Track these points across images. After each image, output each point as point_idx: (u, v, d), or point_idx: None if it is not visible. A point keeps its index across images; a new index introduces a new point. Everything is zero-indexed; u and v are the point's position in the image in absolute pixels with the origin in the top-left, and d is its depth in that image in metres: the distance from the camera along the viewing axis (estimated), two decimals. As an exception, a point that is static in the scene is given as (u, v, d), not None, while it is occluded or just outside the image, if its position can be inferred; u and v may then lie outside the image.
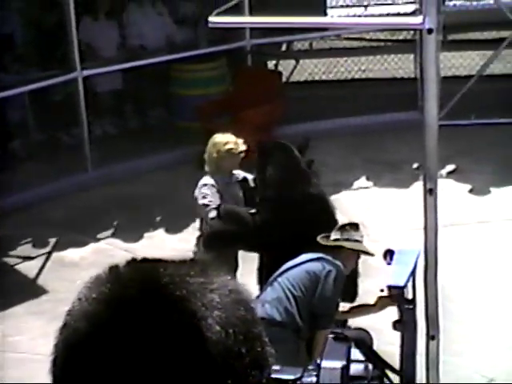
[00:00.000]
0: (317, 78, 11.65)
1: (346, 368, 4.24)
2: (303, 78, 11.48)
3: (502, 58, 10.88)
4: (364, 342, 5.18)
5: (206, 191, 6.12)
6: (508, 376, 6.17)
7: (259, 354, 1.19)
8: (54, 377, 1.20)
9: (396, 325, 5.54)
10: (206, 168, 6.30)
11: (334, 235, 5.59)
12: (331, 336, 4.47)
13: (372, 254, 5.78)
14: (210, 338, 1.14)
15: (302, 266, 5.44)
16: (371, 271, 6.31)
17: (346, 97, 10.81)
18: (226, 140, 6.23)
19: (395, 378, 5.44)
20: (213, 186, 6.16)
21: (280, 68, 10.71)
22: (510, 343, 6.51)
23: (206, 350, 1.14)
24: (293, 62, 10.43)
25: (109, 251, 8.14)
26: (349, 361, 4.29)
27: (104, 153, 9.70)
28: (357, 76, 11.67)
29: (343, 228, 5.66)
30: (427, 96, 4.95)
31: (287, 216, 6.00)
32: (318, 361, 4.24)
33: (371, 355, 5.15)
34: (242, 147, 6.22)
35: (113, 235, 8.51)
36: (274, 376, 1.24)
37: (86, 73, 9.61)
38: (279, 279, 5.42)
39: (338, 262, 5.44)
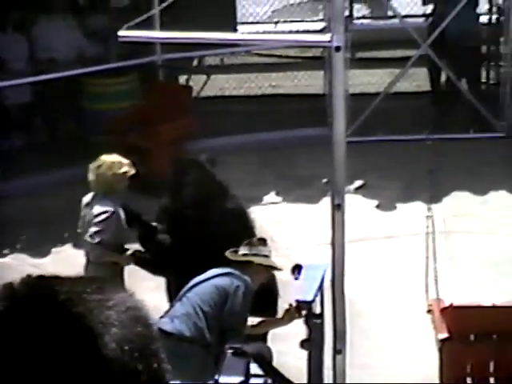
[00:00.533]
0: (228, 93, 11.69)
1: (244, 383, 4.23)
2: (214, 92, 11.49)
3: (408, 77, 11.10)
4: (263, 357, 5.16)
5: (102, 226, 6.04)
6: (413, 389, 6.26)
7: (156, 370, 1.19)
8: None
9: (304, 343, 5.57)
10: (97, 189, 6.18)
11: (243, 250, 5.59)
12: (230, 351, 4.44)
13: (280, 269, 5.80)
14: (107, 356, 1.14)
15: (211, 281, 5.43)
16: (280, 286, 6.32)
17: (256, 112, 10.86)
18: (120, 161, 6.18)
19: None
20: (113, 213, 6.10)
21: (191, 83, 10.71)
22: (414, 356, 6.60)
23: (102, 368, 1.14)
24: (204, 77, 10.44)
25: (16, 267, 7.98)
26: (247, 376, 4.26)
27: (12, 166, 9.52)
28: (267, 92, 11.74)
29: (251, 243, 5.67)
30: (335, 112, 5.02)
31: (207, 234, 5.97)
32: (217, 376, 4.22)
33: (270, 370, 5.14)
34: (133, 170, 6.21)
35: (20, 251, 8.34)
36: None
37: (-6, 85, 9.44)
38: (188, 294, 5.40)
39: (247, 277, 5.44)
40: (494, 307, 5.85)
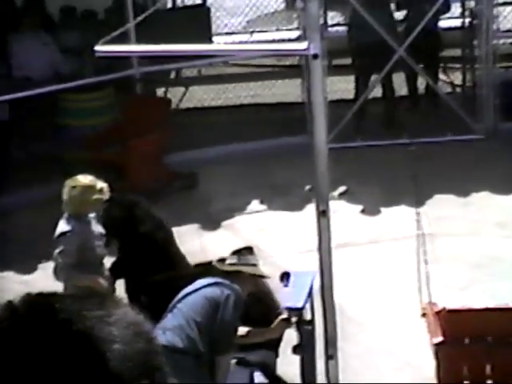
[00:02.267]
0: (206, 104, 11.72)
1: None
2: (193, 104, 11.52)
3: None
4: (267, 365, 5.19)
5: (62, 247, 6.00)
6: (404, 392, 6.30)
7: None
8: None
9: (296, 349, 5.61)
10: (68, 210, 6.05)
11: (230, 259, 5.62)
12: (234, 361, 4.46)
13: (268, 277, 5.84)
14: (109, 373, 1.14)
15: (201, 291, 5.46)
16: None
17: (235, 122, 10.89)
18: (93, 186, 6.03)
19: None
20: (72, 233, 6.03)
21: (169, 95, 10.74)
22: (407, 361, 6.64)
23: None
24: (182, 89, 10.47)
25: (3, 284, 7.94)
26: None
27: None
28: (245, 101, 11.78)
29: (239, 252, 5.71)
30: (315, 120, 5.05)
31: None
32: None
33: (274, 379, 5.18)
34: (107, 196, 6.13)
35: (6, 268, 8.30)
36: None
37: (-31, 105, 9.42)
38: (179, 305, 5.43)
39: (236, 286, 5.48)
40: (487, 310, 5.87)
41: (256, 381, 4.27)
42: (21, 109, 10.32)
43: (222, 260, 5.63)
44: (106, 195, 6.08)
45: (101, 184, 6.09)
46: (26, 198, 9.43)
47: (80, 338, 1.15)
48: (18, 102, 10.09)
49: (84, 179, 6.08)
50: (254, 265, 5.67)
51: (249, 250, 5.80)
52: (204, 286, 5.47)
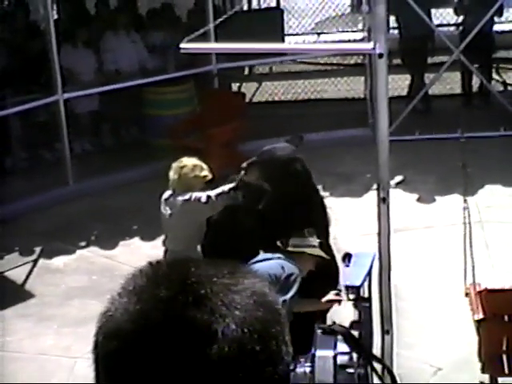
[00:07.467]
0: (276, 98, 11.71)
1: (336, 357, 4.19)
2: (264, 98, 11.53)
3: (442, 80, 11.01)
4: (350, 334, 5.11)
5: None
6: (454, 365, 6.21)
7: (274, 352, 1.20)
8: (96, 365, 1.22)
9: (354, 324, 5.53)
10: (178, 187, 6.03)
11: (293, 241, 5.54)
12: (319, 331, 4.39)
13: (328, 258, 5.74)
14: (226, 336, 1.15)
15: (264, 265, 5.32)
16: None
17: (302, 115, 10.85)
18: (201, 165, 6.09)
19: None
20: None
21: (243, 90, 10.73)
22: (454, 336, 6.54)
23: (219, 346, 1.15)
24: (255, 84, 10.47)
25: (90, 258, 8.06)
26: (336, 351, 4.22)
27: (83, 168, 9.63)
28: (312, 96, 11.74)
29: (302, 234, 5.61)
30: (379, 113, 4.96)
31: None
32: (313, 350, 4.18)
33: (357, 346, 5.09)
34: (211, 175, 6.15)
35: (93, 244, 8.42)
36: None
37: (67, 95, 9.54)
38: None
39: (296, 267, 5.37)
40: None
41: (340, 349, 4.19)
42: (110, 100, 10.45)
43: (286, 240, 5.54)
44: (210, 175, 6.09)
45: (205, 165, 6.13)
46: (115, 181, 9.51)
47: (204, 301, 1.17)
48: (108, 93, 10.20)
49: (190, 160, 6.14)
50: (315, 246, 5.58)
51: (311, 231, 5.65)
52: (268, 259, 5.38)
